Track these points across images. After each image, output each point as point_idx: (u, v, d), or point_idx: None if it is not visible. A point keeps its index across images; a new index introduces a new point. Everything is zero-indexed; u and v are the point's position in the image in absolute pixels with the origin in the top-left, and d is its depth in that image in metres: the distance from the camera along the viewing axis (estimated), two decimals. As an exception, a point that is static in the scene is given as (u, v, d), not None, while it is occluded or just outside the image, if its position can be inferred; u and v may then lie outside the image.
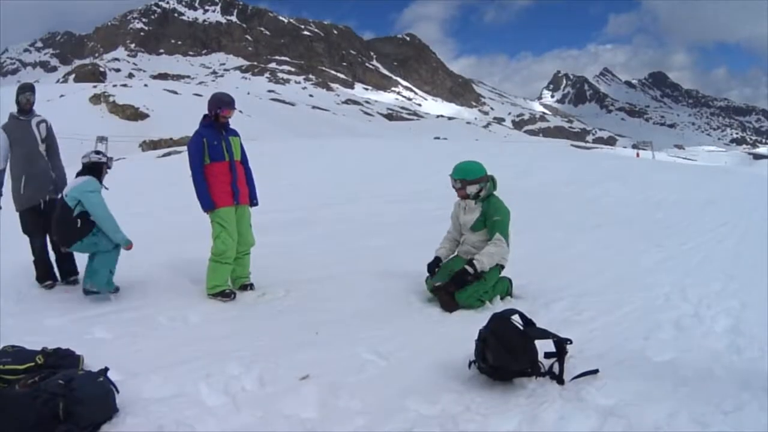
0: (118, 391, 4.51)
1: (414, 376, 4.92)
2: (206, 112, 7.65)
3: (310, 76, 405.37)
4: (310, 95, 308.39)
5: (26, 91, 8.16)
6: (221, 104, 7.58)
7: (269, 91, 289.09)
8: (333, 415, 4.36)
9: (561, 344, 4.82)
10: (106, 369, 4.64)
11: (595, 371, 4.68)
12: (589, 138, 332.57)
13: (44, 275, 8.25)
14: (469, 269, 6.91)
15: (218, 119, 7.59)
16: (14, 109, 8.24)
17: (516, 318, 4.92)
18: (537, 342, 4.79)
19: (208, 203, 7.45)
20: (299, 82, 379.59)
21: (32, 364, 4.87)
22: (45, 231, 8.18)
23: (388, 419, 4.24)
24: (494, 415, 4.22)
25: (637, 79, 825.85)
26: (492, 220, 7.17)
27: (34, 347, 5.11)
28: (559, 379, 4.62)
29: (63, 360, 5.04)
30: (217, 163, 7.55)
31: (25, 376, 4.67)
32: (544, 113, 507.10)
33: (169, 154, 32.00)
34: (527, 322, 4.98)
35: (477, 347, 4.81)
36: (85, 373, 4.66)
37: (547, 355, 4.83)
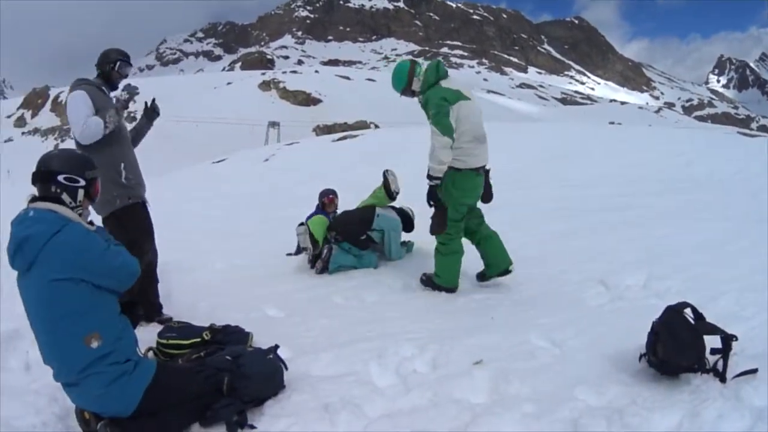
0: (286, 368, 4.72)
1: (585, 366, 4.93)
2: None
3: (483, 60, 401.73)
4: (485, 79, 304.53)
5: (126, 58, 6.35)
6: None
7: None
8: (502, 400, 4.44)
9: (727, 340, 4.73)
10: (277, 346, 4.82)
11: (755, 370, 4.59)
12: (753, 125, 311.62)
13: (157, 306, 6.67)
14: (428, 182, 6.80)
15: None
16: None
17: (688, 311, 4.87)
18: (704, 337, 4.75)
19: None
20: (473, 66, 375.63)
21: (198, 339, 5.15)
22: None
23: (555, 408, 4.28)
24: (658, 409, 4.19)
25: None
26: (429, 116, 6.77)
27: (204, 324, 5.44)
28: (722, 377, 4.54)
29: (231, 336, 5.32)
30: None
31: (189, 351, 4.95)
32: (711, 98, 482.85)
33: (344, 138, 32.61)
34: (698, 315, 4.90)
35: (649, 339, 4.76)
36: (255, 350, 4.88)
37: (713, 351, 4.75)
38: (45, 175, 4.06)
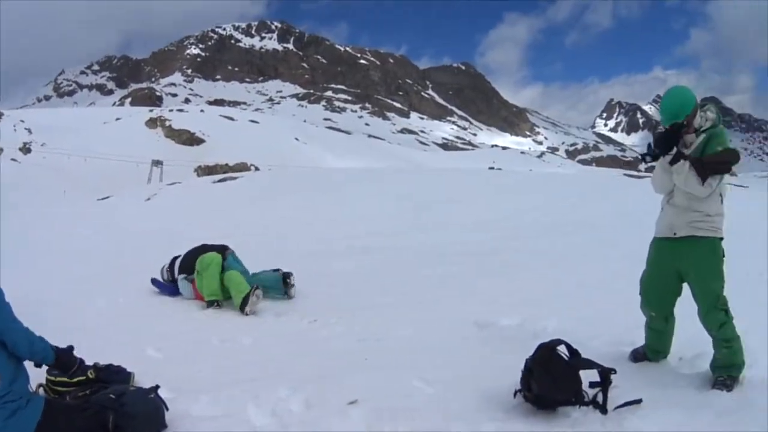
0: (167, 409, 4.67)
1: (459, 403, 4.95)
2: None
3: (367, 104, 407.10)
4: (367, 124, 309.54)
5: None
6: None
7: (325, 119, 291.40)
8: (378, 438, 4.39)
9: (605, 374, 4.83)
10: (157, 386, 4.78)
11: (639, 401, 4.68)
12: (641, 167, 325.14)
13: None
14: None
15: None
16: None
17: (562, 348, 4.96)
18: (582, 371, 4.84)
19: None
20: (355, 111, 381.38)
21: (83, 378, 5.06)
22: None
23: (431, 445, 4.23)
24: (536, 443, 4.24)
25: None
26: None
27: (87, 363, 5.28)
28: (603, 409, 4.63)
29: (114, 375, 5.25)
30: None
31: (75, 389, 4.92)
32: (597, 142, 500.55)
33: (224, 179, 32.34)
34: (573, 352, 5.00)
35: (522, 376, 4.85)
36: (136, 389, 4.85)
37: (592, 385, 4.83)
38: None
